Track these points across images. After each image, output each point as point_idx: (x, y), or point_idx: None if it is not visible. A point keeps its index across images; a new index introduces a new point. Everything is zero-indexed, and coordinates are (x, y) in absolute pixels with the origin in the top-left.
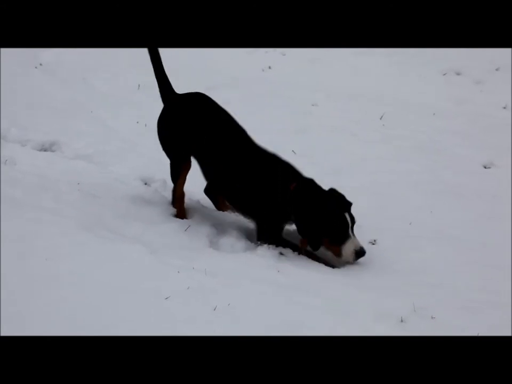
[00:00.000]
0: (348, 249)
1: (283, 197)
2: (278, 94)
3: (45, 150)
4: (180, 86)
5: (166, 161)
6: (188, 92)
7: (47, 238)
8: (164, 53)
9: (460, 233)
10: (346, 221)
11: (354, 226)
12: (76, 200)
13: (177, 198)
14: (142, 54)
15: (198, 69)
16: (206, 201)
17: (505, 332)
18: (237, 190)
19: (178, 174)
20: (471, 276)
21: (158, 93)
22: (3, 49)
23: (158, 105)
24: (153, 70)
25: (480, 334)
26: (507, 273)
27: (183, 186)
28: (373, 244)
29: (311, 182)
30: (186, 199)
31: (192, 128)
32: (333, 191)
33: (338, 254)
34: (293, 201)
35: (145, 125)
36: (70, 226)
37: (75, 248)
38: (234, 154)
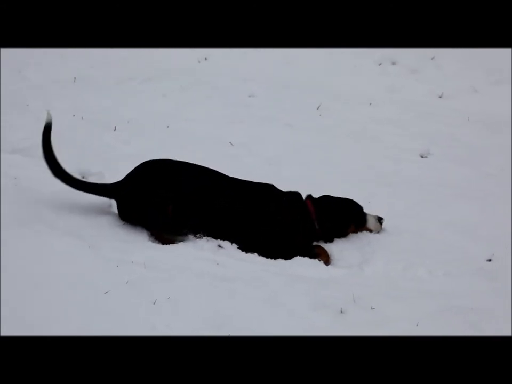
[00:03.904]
0: (372, 223)
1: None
2: (214, 85)
3: None
4: (117, 78)
5: (103, 154)
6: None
7: None
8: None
9: (398, 223)
10: (359, 205)
11: None
12: (13, 194)
13: None
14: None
15: (134, 60)
16: None
17: (436, 319)
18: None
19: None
20: (407, 265)
21: (94, 86)
22: None
23: (93, 98)
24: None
25: (418, 323)
26: (442, 262)
27: None
28: None
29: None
30: None
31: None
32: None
33: (368, 230)
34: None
35: (82, 118)
36: (6, 221)
37: (11, 243)
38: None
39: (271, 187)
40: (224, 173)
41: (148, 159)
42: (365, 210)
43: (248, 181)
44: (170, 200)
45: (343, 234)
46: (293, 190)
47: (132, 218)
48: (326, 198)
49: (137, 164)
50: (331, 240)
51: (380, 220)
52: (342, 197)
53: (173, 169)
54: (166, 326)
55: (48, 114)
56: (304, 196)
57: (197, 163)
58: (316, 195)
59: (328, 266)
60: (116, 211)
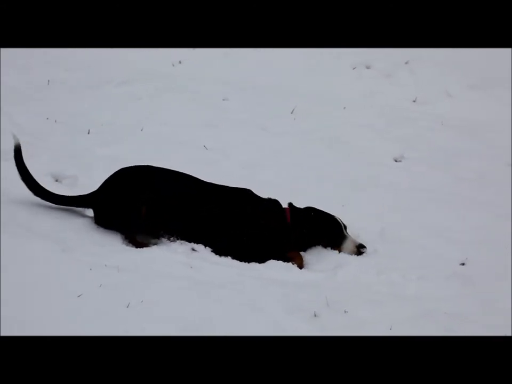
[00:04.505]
0: (347, 247)
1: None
2: (188, 88)
3: None
4: (92, 81)
5: (77, 157)
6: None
7: None
8: (76, 50)
9: (372, 227)
10: (340, 224)
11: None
12: None
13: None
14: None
15: (109, 64)
16: None
17: (410, 323)
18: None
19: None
20: (381, 269)
21: (69, 89)
22: None
23: (67, 101)
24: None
25: (392, 327)
26: (415, 266)
27: None
28: None
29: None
30: None
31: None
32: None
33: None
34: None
35: (55, 121)
36: None
37: None
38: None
39: (248, 192)
40: (198, 177)
41: (123, 166)
42: (348, 231)
43: (224, 186)
44: (143, 202)
45: (314, 246)
46: (272, 197)
47: (107, 224)
48: (308, 209)
49: (112, 169)
50: (304, 250)
51: (360, 247)
52: (327, 212)
53: (146, 174)
54: (140, 329)
55: (15, 137)
56: (286, 204)
57: (171, 167)
58: (296, 201)
59: (302, 270)
60: (91, 214)
